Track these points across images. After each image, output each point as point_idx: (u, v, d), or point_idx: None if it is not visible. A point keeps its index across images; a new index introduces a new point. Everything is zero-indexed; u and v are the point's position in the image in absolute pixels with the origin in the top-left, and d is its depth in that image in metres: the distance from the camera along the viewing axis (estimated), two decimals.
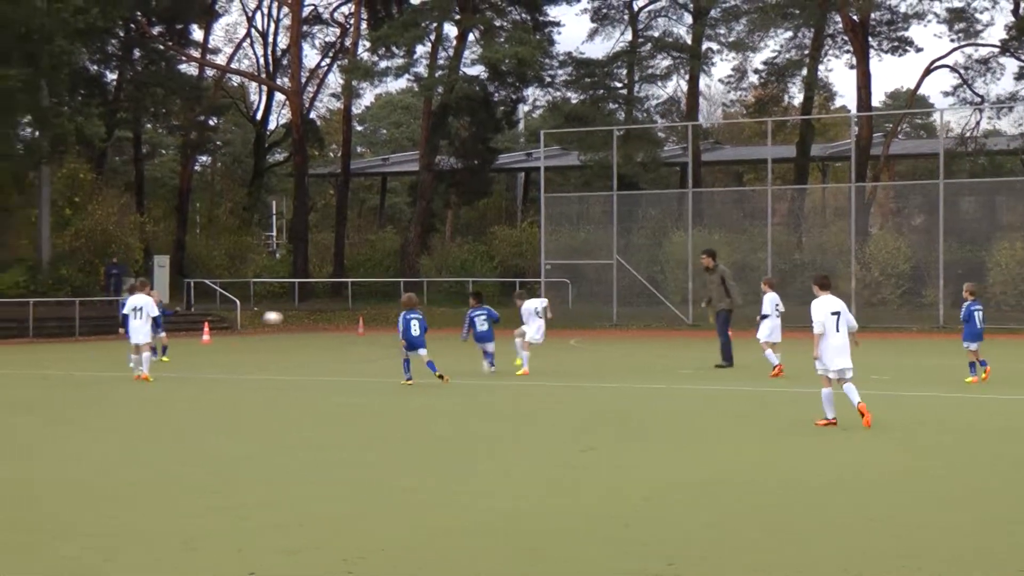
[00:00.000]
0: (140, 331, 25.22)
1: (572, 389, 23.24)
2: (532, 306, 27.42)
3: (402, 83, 72.68)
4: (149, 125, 70.63)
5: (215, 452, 15.03)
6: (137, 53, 65.06)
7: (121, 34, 62.55)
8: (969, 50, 61.95)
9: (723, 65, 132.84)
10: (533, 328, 26.93)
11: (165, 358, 30.62)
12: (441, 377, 23.07)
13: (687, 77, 65.42)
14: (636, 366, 30.12)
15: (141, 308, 25.33)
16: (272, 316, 35.81)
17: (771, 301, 25.85)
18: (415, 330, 23.61)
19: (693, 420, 18.07)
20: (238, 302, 53.15)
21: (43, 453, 15.09)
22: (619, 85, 66.39)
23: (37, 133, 55.55)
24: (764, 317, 25.74)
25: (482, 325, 26.10)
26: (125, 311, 26.08)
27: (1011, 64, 61.24)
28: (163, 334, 30.30)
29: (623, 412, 18.84)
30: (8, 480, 12.88)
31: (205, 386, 24.98)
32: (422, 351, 23.52)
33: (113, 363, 29.24)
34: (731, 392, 22.05)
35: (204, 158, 76.71)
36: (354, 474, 13.11)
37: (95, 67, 64.13)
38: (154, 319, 26.01)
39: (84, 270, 53.75)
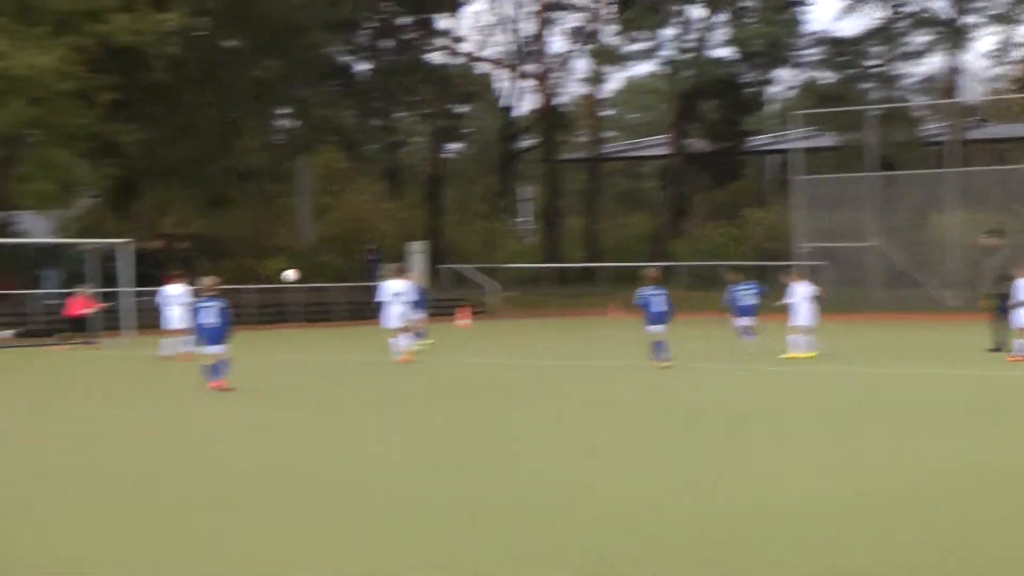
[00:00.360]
0: (399, 316, 25.89)
1: (850, 375, 22.87)
2: (805, 290, 26.93)
3: (649, 66, 72.18)
4: (401, 114, 71.86)
5: (504, 429, 15.30)
6: (387, 44, 66.21)
7: (372, 26, 63.73)
8: None
9: (986, 39, 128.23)
10: (805, 311, 26.38)
11: (426, 342, 31.16)
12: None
13: (947, 53, 63.17)
14: (914, 350, 29.49)
15: (400, 293, 26.01)
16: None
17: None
18: (659, 306, 23.47)
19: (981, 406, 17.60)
20: (492, 286, 53.81)
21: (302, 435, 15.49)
22: (874, 63, 64.60)
23: (295, 123, 57.35)
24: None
25: (748, 300, 26.21)
26: (384, 297, 26.74)
27: None
28: (422, 317, 30.64)
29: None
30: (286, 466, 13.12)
31: (466, 370, 25.49)
32: (658, 328, 23.42)
33: (373, 347, 29.86)
34: None
35: (454, 145, 77.76)
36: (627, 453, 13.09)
37: (347, 58, 65.57)
38: (413, 303, 26.58)
39: (343, 256, 55.17)
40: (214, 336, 19.94)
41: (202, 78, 50.28)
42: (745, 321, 27.05)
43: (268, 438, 15.10)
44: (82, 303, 34.83)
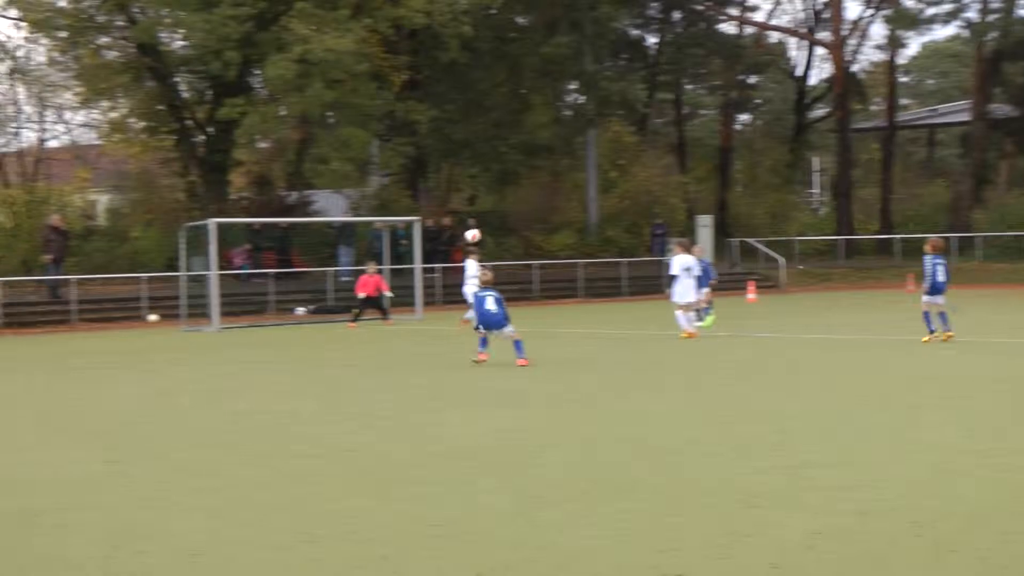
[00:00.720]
0: (688, 291, 26.26)
1: None
2: None
3: (951, 29, 70.26)
4: (689, 86, 71.99)
5: (773, 409, 15.28)
6: (677, 15, 66.43)
7: None
8: None
9: None
10: None
11: (708, 318, 31.62)
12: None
13: None
14: None
15: (690, 268, 26.35)
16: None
17: None
18: (939, 276, 23.42)
19: None
20: (781, 260, 53.55)
21: (604, 409, 15.89)
22: None
23: (583, 98, 58.18)
24: None
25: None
26: (673, 271, 26.84)
27: None
28: (706, 291, 31.00)
29: None
30: (585, 437, 13.63)
31: (754, 344, 25.49)
32: (937, 298, 23.38)
33: (660, 322, 30.31)
34: None
35: (744, 116, 77.45)
36: (909, 436, 13.00)
37: (636, 31, 66.08)
38: (698, 277, 27.02)
39: (629, 231, 55.79)
40: (496, 323, 21.43)
41: (492, 56, 51.63)
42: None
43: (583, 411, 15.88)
44: (372, 283, 35.47)
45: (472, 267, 31.47)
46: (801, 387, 17.79)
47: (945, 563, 7.89)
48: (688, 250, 27.08)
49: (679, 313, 26.54)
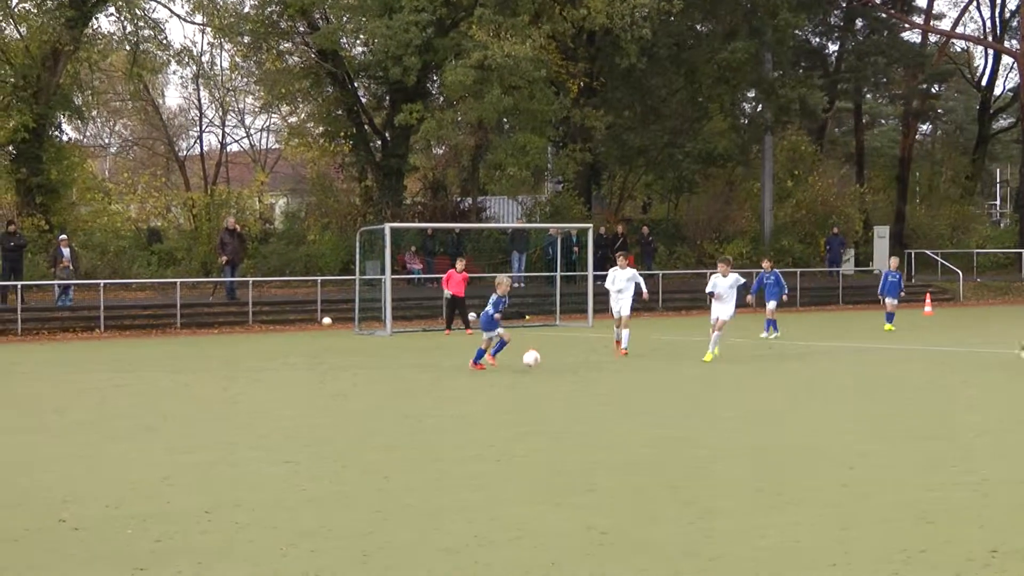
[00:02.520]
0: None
1: None
2: None
3: None
4: (869, 95, 70.28)
5: (959, 426, 15.24)
6: (859, 23, 64.93)
7: (844, 4, 62.68)
8: None
9: None
10: None
11: (889, 326, 32.61)
12: None
13: None
14: None
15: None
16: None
17: None
18: None
19: None
20: (960, 273, 51.95)
21: (787, 419, 16.19)
22: None
23: (761, 106, 57.11)
24: None
25: None
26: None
27: None
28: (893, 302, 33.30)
29: None
30: (755, 447, 13.83)
31: (928, 358, 25.17)
32: None
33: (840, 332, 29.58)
34: None
35: (925, 126, 75.47)
36: None
37: (817, 39, 64.77)
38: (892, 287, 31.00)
39: (804, 241, 54.62)
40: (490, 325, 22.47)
41: (670, 62, 50.89)
42: None
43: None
44: (459, 281, 34.10)
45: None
46: (978, 403, 17.68)
47: None
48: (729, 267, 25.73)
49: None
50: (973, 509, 10.12)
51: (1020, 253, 59.38)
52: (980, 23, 72.82)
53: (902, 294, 34.31)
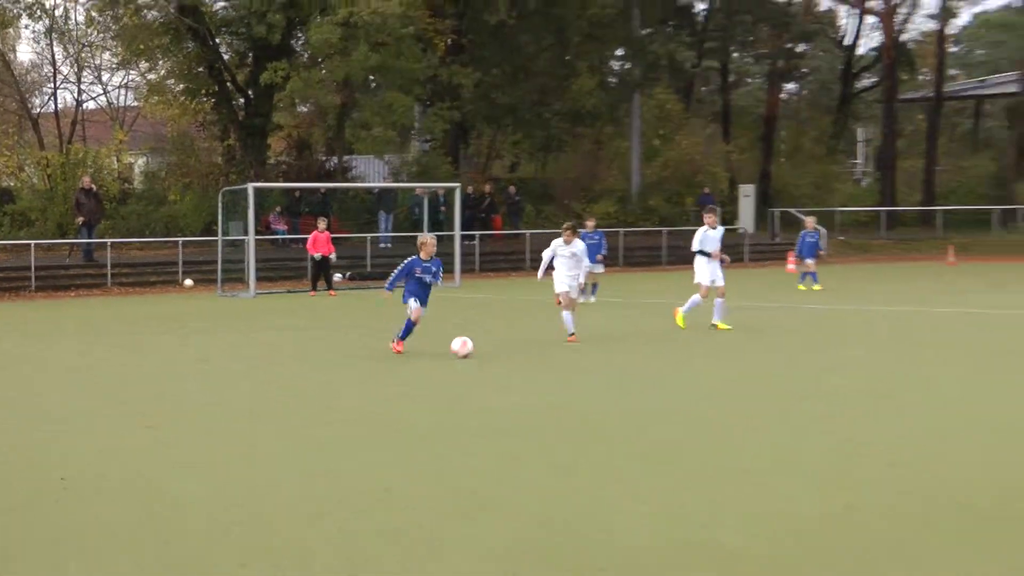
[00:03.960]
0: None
1: None
2: None
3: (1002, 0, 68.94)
4: (736, 54, 70.89)
5: (826, 387, 15.28)
6: None
7: None
8: None
9: None
10: None
11: (816, 286, 33.17)
12: None
13: None
14: None
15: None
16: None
17: None
18: None
19: None
20: (823, 231, 52.65)
21: (668, 383, 16.00)
22: None
23: (629, 64, 57.24)
24: None
25: None
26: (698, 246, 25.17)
27: None
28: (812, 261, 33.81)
29: None
30: (623, 410, 13.71)
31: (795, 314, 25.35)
32: None
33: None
34: None
35: (790, 86, 76.30)
36: (961, 411, 12.75)
37: None
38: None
39: (671, 200, 54.91)
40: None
41: (539, 18, 50.69)
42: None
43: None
44: (323, 241, 34.20)
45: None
46: (848, 360, 17.87)
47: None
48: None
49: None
50: (836, 467, 10.30)
51: (880, 211, 60.46)
52: None
53: (821, 253, 34.65)
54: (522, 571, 7.53)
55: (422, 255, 19.32)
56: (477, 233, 43.36)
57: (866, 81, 73.89)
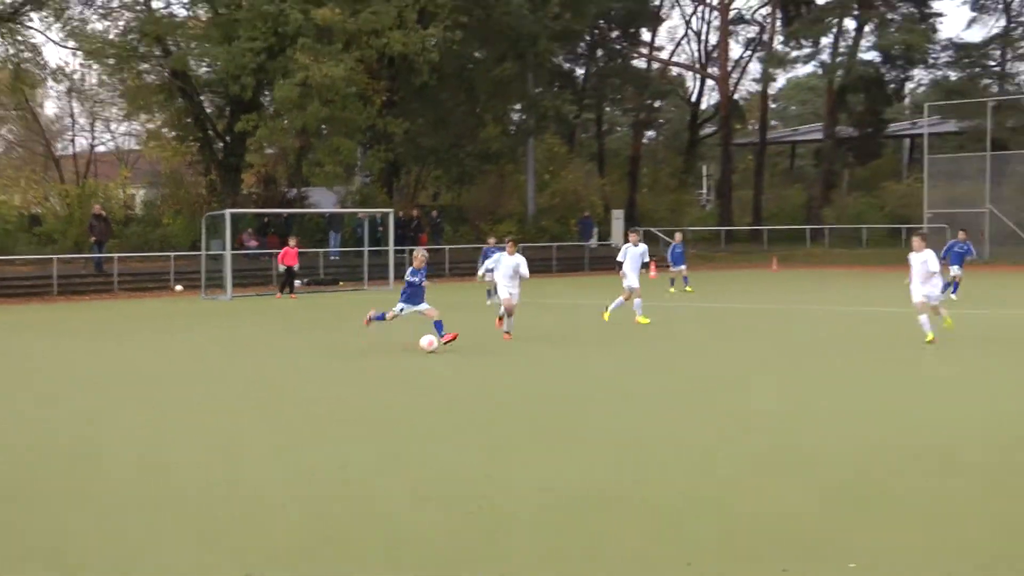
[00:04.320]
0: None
1: None
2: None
3: (809, 68, 69.79)
4: (608, 108, 71.14)
5: (700, 373, 14.94)
6: (600, 52, 65.59)
7: (588, 37, 63.18)
8: None
9: None
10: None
11: (689, 288, 33.11)
12: None
13: None
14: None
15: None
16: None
17: None
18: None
19: None
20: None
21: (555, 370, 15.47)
22: (993, 64, 61.83)
23: (525, 115, 57.17)
24: None
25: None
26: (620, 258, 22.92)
27: None
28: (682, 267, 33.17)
29: None
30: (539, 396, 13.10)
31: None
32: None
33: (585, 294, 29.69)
34: None
35: (650, 133, 76.68)
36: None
37: (568, 64, 65.18)
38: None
39: (559, 222, 54.96)
40: (417, 299, 18.01)
41: (454, 80, 50.50)
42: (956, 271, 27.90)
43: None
44: (293, 254, 33.91)
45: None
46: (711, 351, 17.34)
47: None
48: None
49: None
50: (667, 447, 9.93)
51: (720, 230, 60.97)
52: (690, 54, 74.43)
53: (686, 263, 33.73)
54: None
55: (416, 264, 17.93)
56: (407, 248, 43.03)
57: (708, 129, 74.44)
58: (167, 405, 12.49)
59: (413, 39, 43.01)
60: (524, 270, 19.61)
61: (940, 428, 10.48)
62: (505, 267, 19.50)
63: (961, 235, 30.47)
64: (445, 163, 52.70)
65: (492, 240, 30.16)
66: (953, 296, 27.53)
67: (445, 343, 17.32)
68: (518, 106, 57.75)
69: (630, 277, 21.71)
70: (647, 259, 22.18)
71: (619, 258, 22.06)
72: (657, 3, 67.20)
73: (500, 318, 19.72)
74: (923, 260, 17.56)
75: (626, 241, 22.55)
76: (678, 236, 34.34)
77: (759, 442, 9.69)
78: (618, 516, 7.31)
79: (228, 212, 35.07)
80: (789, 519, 7.21)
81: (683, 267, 33.15)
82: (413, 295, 17.93)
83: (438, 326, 17.48)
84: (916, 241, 17.92)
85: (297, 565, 6.43)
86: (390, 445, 9.83)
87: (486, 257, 28.29)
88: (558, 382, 14.11)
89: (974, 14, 62.55)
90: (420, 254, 18.16)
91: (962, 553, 6.51)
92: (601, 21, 62.90)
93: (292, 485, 8.30)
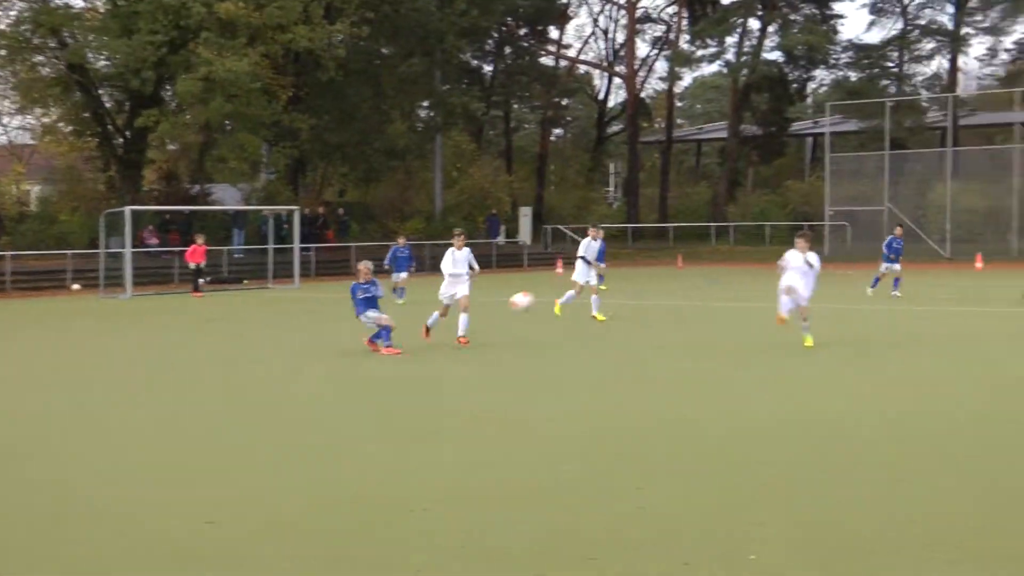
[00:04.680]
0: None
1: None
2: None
3: (715, 67, 70.60)
4: (516, 106, 71.24)
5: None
6: (508, 49, 65.61)
7: (496, 35, 63.16)
8: None
9: (979, 46, 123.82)
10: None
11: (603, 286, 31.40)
12: None
13: (948, 57, 62.27)
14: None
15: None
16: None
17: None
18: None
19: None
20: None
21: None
22: (891, 65, 63.32)
23: (433, 112, 56.95)
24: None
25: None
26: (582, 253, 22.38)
27: None
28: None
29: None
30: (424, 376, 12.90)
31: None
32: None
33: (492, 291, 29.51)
34: None
35: (558, 130, 77.00)
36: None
37: (476, 60, 65.08)
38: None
39: (467, 219, 54.80)
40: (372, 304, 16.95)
41: (361, 76, 50.07)
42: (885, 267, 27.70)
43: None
44: (200, 252, 33.33)
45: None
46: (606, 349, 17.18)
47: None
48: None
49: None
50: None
51: (627, 227, 61.40)
52: (598, 52, 74.84)
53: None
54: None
55: (360, 280, 16.98)
56: (313, 246, 42.65)
57: (615, 127, 74.92)
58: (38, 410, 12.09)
59: (319, 34, 42.55)
60: (475, 264, 18.70)
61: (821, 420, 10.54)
62: (451, 263, 18.15)
63: (898, 231, 30.34)
64: (352, 160, 52.25)
65: (402, 240, 29.91)
66: (896, 293, 27.69)
67: (385, 354, 16.54)
68: (426, 103, 57.55)
69: (586, 272, 21.62)
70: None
71: (580, 252, 21.84)
72: (565, 1, 67.45)
73: (428, 329, 18.20)
74: (805, 259, 16.57)
75: (585, 236, 22.40)
76: (594, 232, 32.98)
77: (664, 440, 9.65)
78: (479, 510, 7.19)
79: (128, 209, 34.30)
80: (691, 514, 7.15)
81: (601, 264, 32.40)
82: (368, 303, 17.03)
83: (386, 333, 16.76)
84: (801, 241, 16.79)
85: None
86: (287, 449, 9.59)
87: (393, 256, 28.33)
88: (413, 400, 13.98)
89: (873, 16, 64.08)
90: (365, 266, 17.25)
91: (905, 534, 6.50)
92: (509, 18, 62.95)
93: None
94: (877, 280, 28.52)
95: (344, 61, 44.67)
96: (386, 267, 25.15)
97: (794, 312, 16.84)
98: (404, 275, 28.44)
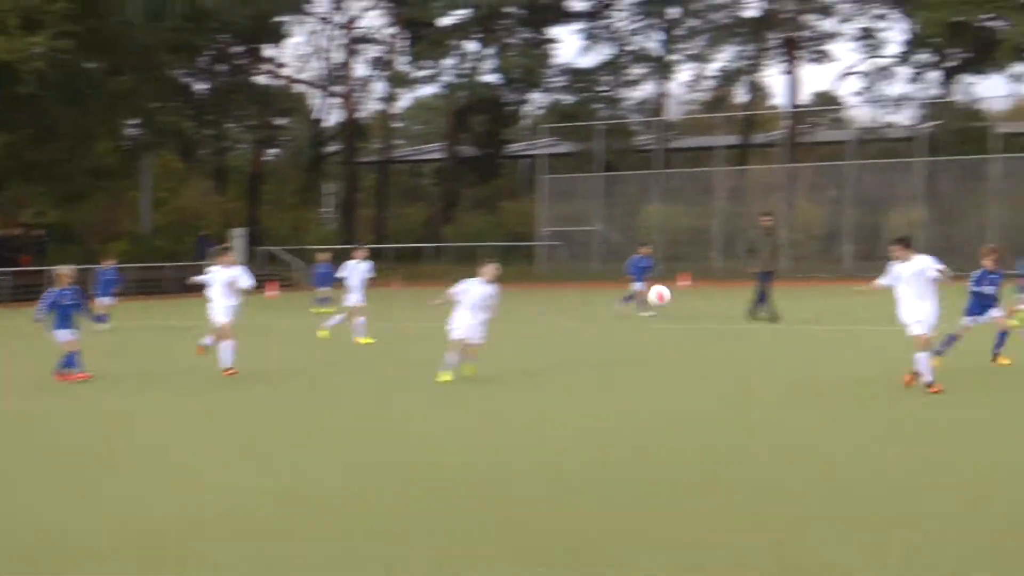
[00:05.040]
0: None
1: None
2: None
3: (432, 88, 71.32)
4: (229, 124, 69.61)
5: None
6: (221, 67, 64.04)
7: (209, 53, 61.50)
8: (873, 61, 61.85)
9: (685, 72, 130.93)
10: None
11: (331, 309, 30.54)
12: None
13: (657, 82, 65.31)
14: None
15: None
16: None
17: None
18: None
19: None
20: (298, 264, 52.65)
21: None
22: (604, 89, 65.76)
23: (141, 131, 54.90)
24: None
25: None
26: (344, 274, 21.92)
27: (904, 71, 60.70)
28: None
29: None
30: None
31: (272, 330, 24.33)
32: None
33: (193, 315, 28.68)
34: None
35: (273, 150, 75.76)
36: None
37: (188, 78, 63.19)
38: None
39: (176, 240, 53.01)
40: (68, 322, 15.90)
41: (64, 91, 47.57)
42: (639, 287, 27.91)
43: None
44: None
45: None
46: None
47: None
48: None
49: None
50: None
51: (343, 248, 60.89)
52: (316, 71, 74.09)
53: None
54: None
55: (64, 285, 15.71)
56: (5, 270, 40.14)
57: (332, 147, 74.43)
58: None
59: (17, 46, 40.17)
60: (251, 280, 16.85)
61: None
62: (217, 279, 16.61)
63: (644, 250, 29.96)
64: (54, 179, 49.53)
65: (109, 262, 28.39)
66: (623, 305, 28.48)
67: (73, 381, 15.65)
68: (135, 120, 55.36)
69: (354, 294, 21.19)
70: (372, 275, 21.72)
71: (342, 274, 21.35)
72: (281, 20, 66.49)
73: (203, 347, 17.21)
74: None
75: (351, 259, 21.75)
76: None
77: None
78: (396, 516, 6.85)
79: None
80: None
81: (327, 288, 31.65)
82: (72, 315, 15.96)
83: (71, 359, 15.75)
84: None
85: None
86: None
87: (101, 278, 26.83)
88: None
89: (586, 42, 66.30)
90: (69, 270, 16.08)
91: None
92: (223, 35, 61.41)
93: None
94: (630, 298, 28.73)
95: (44, 75, 42.30)
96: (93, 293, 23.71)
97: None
98: (108, 300, 27.09)
